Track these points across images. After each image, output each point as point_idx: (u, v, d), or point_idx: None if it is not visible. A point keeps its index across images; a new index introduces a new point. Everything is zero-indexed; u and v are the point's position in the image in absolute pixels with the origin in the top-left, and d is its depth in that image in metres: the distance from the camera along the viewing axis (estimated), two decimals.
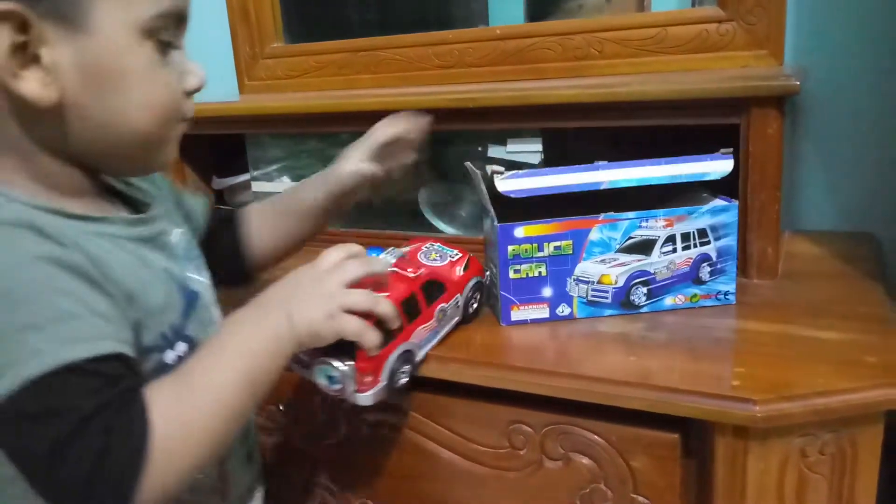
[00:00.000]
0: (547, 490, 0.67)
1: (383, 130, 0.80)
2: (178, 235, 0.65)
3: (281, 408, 0.78)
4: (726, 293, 0.74)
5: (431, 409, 0.71)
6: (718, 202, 0.74)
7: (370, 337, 0.58)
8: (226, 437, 0.52)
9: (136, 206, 0.63)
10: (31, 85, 0.49)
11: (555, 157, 0.91)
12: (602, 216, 0.72)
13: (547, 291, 0.73)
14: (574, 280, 0.73)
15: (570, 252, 0.72)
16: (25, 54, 0.49)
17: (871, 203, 0.96)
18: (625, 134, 0.85)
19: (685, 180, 0.73)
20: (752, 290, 0.77)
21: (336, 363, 0.59)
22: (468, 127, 0.92)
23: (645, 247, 0.72)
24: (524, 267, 0.72)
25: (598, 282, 0.73)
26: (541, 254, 0.72)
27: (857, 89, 0.94)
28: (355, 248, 0.64)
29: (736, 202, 0.73)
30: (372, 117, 0.96)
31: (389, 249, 0.70)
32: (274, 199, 0.82)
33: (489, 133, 0.95)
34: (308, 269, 0.61)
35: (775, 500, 0.60)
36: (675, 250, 0.72)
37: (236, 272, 0.79)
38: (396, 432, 0.73)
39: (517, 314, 0.74)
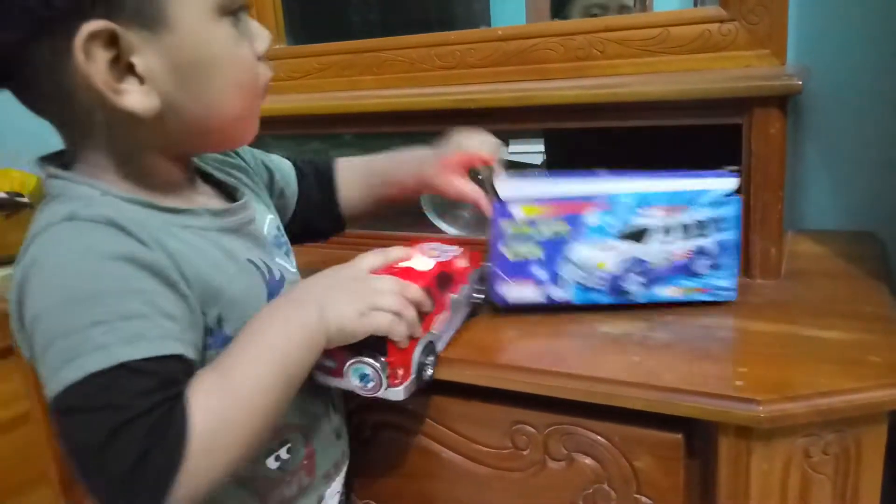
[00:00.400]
0: (550, 490, 0.67)
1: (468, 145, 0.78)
2: (269, 223, 0.67)
3: None
4: (725, 289, 0.72)
5: (434, 409, 0.71)
6: (720, 185, 0.70)
7: (400, 330, 0.59)
8: (263, 433, 0.52)
9: (228, 191, 0.66)
10: (134, 98, 0.51)
11: (557, 158, 0.91)
12: (598, 199, 0.70)
13: (542, 274, 0.72)
14: (569, 264, 0.72)
15: (567, 235, 0.71)
16: (119, 67, 0.50)
17: (874, 202, 0.96)
18: (627, 133, 0.85)
19: (687, 196, 0.70)
20: (755, 290, 0.77)
21: (370, 360, 0.60)
22: (470, 128, 0.92)
23: (642, 235, 0.71)
24: (520, 248, 0.72)
25: (593, 267, 0.72)
26: (537, 235, 0.71)
27: (860, 88, 0.94)
28: (393, 254, 0.65)
29: (739, 196, 0.71)
30: (375, 119, 0.97)
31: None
32: (368, 166, 0.83)
33: (493, 134, 0.95)
34: (343, 269, 0.62)
35: (779, 501, 0.60)
36: (672, 241, 0.71)
37: (333, 221, 0.83)
38: (399, 433, 0.73)
39: (512, 294, 0.73)
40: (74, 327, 0.47)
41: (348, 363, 0.61)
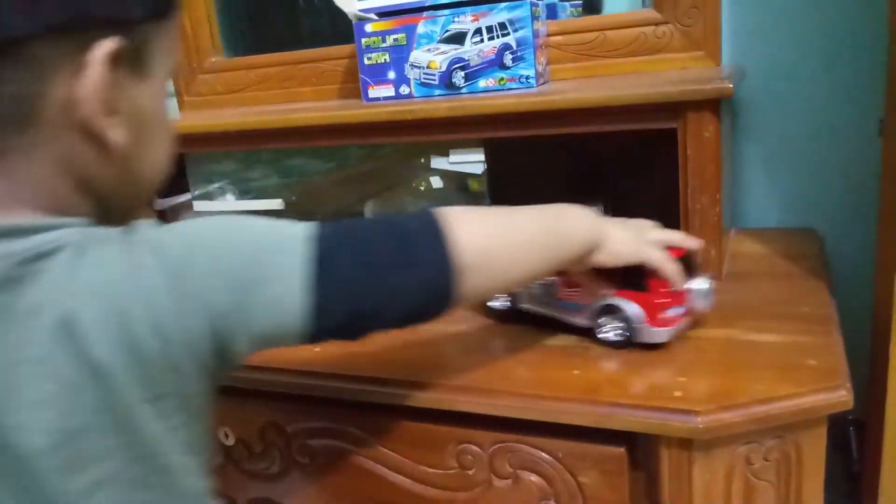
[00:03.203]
0: None
1: None
2: None
3: (226, 435, 0.76)
4: (527, 77, 0.88)
5: (378, 432, 0.69)
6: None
7: (672, 267, 0.64)
8: (518, 272, 0.58)
9: None
10: (116, 129, 0.46)
11: (498, 166, 0.90)
12: (425, 13, 0.90)
13: (391, 74, 0.94)
14: (410, 66, 0.92)
15: (405, 43, 0.92)
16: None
17: (813, 198, 0.97)
18: (568, 137, 0.84)
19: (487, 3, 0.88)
20: None
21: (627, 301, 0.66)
22: (408, 139, 0.90)
23: (459, 38, 0.89)
24: (374, 55, 0.94)
25: (427, 67, 0.91)
26: (384, 45, 0.93)
27: (795, 86, 0.95)
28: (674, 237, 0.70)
29: (528, 0, 0.86)
30: (313, 132, 0.94)
31: None
32: None
33: (432, 144, 0.94)
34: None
35: None
36: (482, 40, 0.88)
37: None
38: (342, 458, 0.71)
39: (373, 92, 0.96)
40: (258, 243, 0.48)
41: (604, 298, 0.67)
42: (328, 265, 0.48)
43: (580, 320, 0.69)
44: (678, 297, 0.65)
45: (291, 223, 0.50)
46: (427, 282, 0.52)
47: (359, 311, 0.50)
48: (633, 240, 0.64)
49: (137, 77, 0.47)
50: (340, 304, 0.49)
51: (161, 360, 0.43)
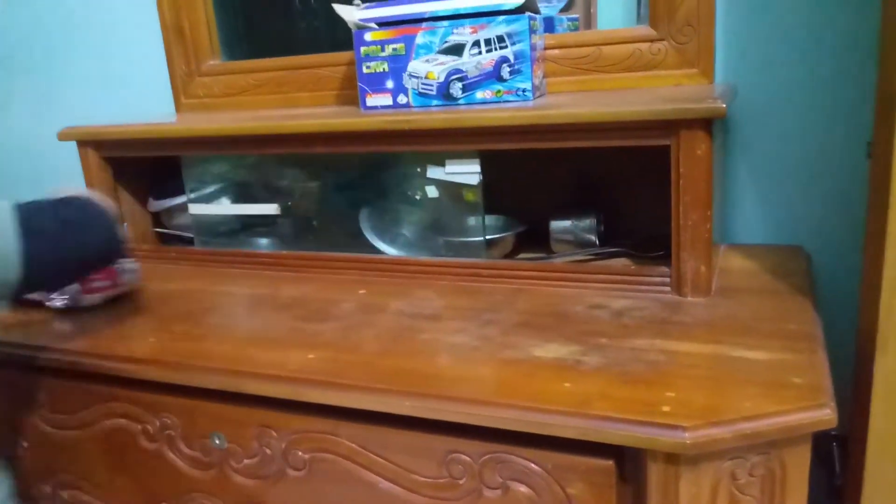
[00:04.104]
0: None
1: None
2: None
3: (217, 442, 0.76)
4: (524, 90, 0.90)
5: (368, 439, 0.70)
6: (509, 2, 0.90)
7: None
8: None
9: None
10: None
11: (493, 177, 0.91)
12: (424, 24, 0.92)
13: (389, 83, 0.95)
14: (408, 75, 0.94)
15: (404, 53, 0.93)
16: None
17: (801, 216, 0.99)
18: (563, 150, 0.85)
19: (488, 9, 0.90)
20: (685, 309, 0.78)
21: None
22: (405, 149, 0.91)
23: (457, 49, 0.91)
24: (373, 64, 0.95)
25: (425, 77, 0.93)
26: (383, 54, 0.95)
27: (786, 104, 0.96)
28: None
29: (527, 14, 0.89)
30: (308, 139, 0.95)
31: None
32: None
33: (428, 154, 0.94)
34: None
35: None
36: (480, 52, 0.90)
37: None
38: (333, 464, 0.71)
39: (371, 101, 0.97)
40: None
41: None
42: (36, 223, 0.65)
43: (37, 297, 0.92)
44: (107, 273, 0.92)
45: None
46: (109, 238, 0.75)
47: (63, 258, 0.69)
48: None
49: None
50: (49, 252, 0.66)
51: None
